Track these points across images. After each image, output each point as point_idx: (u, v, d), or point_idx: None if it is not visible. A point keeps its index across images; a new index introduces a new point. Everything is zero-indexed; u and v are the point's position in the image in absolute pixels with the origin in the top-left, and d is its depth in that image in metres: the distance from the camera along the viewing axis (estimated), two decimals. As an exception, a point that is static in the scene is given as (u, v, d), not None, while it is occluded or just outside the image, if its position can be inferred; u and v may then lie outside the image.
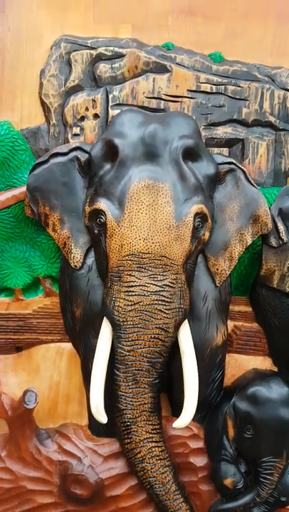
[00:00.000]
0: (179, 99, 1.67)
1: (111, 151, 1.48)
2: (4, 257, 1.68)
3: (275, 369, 1.66)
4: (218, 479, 1.53)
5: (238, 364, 1.65)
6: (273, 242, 1.53)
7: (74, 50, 1.68)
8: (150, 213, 1.41)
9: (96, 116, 1.66)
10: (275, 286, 1.53)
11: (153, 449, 1.45)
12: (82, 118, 1.67)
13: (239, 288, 1.68)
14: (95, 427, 1.59)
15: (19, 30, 1.69)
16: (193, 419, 1.53)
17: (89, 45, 1.68)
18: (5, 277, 1.66)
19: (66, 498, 1.54)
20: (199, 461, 1.57)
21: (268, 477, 1.49)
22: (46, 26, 1.69)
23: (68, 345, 1.69)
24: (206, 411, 1.58)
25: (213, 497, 1.59)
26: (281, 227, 1.51)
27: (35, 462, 1.53)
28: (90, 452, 1.55)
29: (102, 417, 1.40)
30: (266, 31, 1.71)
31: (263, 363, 1.66)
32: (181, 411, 1.43)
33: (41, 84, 1.67)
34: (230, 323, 1.66)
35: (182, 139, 1.46)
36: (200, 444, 1.58)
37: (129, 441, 1.45)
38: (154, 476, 1.47)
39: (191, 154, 1.48)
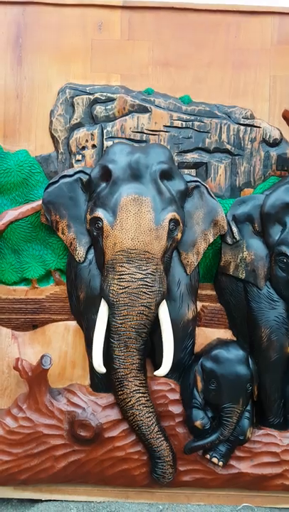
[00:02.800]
0: (157, 133, 1.96)
1: (106, 174, 1.78)
2: (24, 254, 1.94)
3: (235, 339, 1.92)
4: (190, 422, 1.80)
5: (206, 335, 1.93)
6: (229, 240, 1.86)
7: (76, 95, 1.97)
8: (136, 219, 1.70)
9: (94, 146, 1.95)
10: (231, 273, 1.86)
11: (140, 399, 1.75)
12: (83, 148, 1.95)
13: (206, 276, 1.97)
14: (95, 385, 1.89)
15: (33, 79, 1.98)
16: (171, 378, 1.84)
17: (87, 91, 1.97)
18: (24, 270, 1.93)
19: (73, 440, 1.82)
20: (176, 409, 1.84)
21: (229, 420, 1.77)
22: (54, 76, 1.98)
23: (74, 323, 1.95)
24: (180, 371, 1.86)
25: (187, 438, 1.85)
26: (234, 229, 1.84)
27: (49, 412, 1.81)
28: (91, 404, 1.83)
29: (103, 369, 1.70)
30: (224, 77, 1.99)
31: (224, 334, 1.94)
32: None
33: (51, 122, 1.96)
34: (199, 304, 1.94)
35: (159, 164, 1.76)
36: (176, 396, 1.85)
37: (121, 392, 1.74)
38: (141, 420, 1.76)
39: (166, 175, 1.78)
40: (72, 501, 1.92)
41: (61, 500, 1.93)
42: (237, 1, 2.02)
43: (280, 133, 1.97)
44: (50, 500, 1.93)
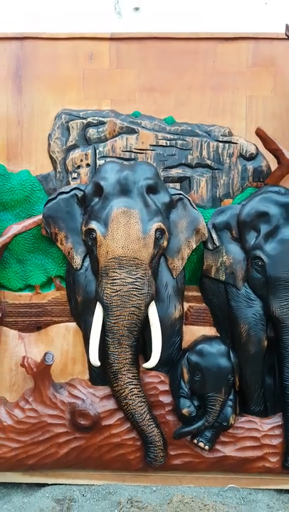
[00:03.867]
0: (144, 152, 2.10)
1: (98, 190, 1.93)
2: (27, 263, 2.09)
3: (219, 335, 2.06)
4: (178, 410, 1.95)
5: (192, 332, 2.06)
6: (210, 246, 2.01)
7: (71, 120, 2.09)
8: (125, 230, 1.84)
9: (88, 165, 2.09)
10: (213, 276, 2.01)
11: (133, 390, 1.91)
12: (78, 167, 2.09)
13: (192, 279, 2.11)
14: (93, 379, 2.05)
15: (32, 107, 2.12)
16: (161, 371, 1.99)
17: (81, 116, 2.10)
18: (28, 277, 2.09)
19: (74, 428, 1.97)
20: (166, 399, 1.98)
21: (213, 408, 1.92)
22: (51, 103, 2.11)
23: (73, 324, 2.09)
24: (169, 365, 2.01)
25: (176, 424, 1.98)
26: (214, 236, 1.99)
27: (53, 404, 1.97)
28: (90, 395, 1.98)
29: (97, 363, 1.86)
30: (204, 99, 2.11)
31: (209, 331, 2.07)
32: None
33: (49, 144, 2.10)
34: (186, 304, 2.07)
35: (145, 180, 1.91)
36: (166, 387, 1.99)
37: (116, 384, 1.91)
38: (134, 409, 1.92)
39: (152, 189, 1.93)
40: (75, 485, 2.08)
41: (65, 484, 2.08)
42: (214, 29, 2.16)
43: (256, 148, 2.12)
44: (55, 484, 2.08)
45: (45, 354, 1.94)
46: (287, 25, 2.02)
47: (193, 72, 2.12)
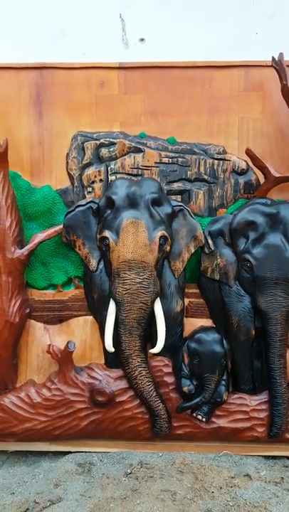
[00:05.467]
0: (150, 168, 2.25)
1: (110, 203, 2.08)
2: (50, 266, 2.25)
3: (214, 325, 2.24)
4: (180, 388, 2.14)
5: (192, 324, 2.24)
6: (206, 250, 2.18)
7: (86, 141, 2.23)
8: (134, 237, 2.01)
9: (101, 180, 2.23)
10: (209, 276, 2.19)
11: (142, 372, 2.11)
12: (93, 182, 2.23)
13: (192, 278, 2.26)
14: (108, 363, 2.24)
15: (52, 129, 2.26)
16: (165, 356, 2.20)
17: (94, 137, 2.24)
18: (51, 278, 2.25)
19: (93, 404, 2.16)
20: (169, 379, 2.17)
21: (209, 386, 2.11)
22: (68, 126, 2.26)
23: (90, 317, 2.25)
24: (172, 351, 2.19)
25: (178, 401, 2.17)
26: (210, 241, 2.17)
27: (74, 384, 2.17)
28: (105, 377, 2.17)
29: (112, 349, 2.06)
30: (201, 121, 2.25)
31: (206, 322, 2.25)
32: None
33: (67, 163, 2.24)
34: (186, 300, 2.24)
35: (151, 194, 2.08)
36: (169, 370, 2.18)
37: (127, 367, 2.11)
38: (143, 387, 2.12)
39: (156, 202, 2.09)
40: (94, 452, 2.28)
41: (86, 452, 2.27)
42: (209, 58, 2.30)
43: (247, 164, 2.27)
44: (77, 452, 2.28)
45: (68, 342, 2.15)
46: (273, 57, 2.26)
47: (192, 97, 2.26)
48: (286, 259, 2.10)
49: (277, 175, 2.20)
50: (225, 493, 2.00)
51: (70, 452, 2.30)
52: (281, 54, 2.23)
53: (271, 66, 2.22)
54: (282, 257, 2.10)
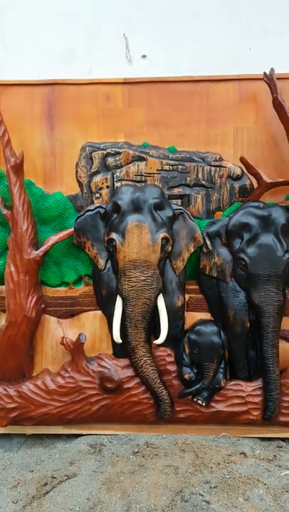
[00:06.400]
0: (152, 175, 2.37)
1: (116, 208, 2.20)
2: (63, 265, 2.37)
3: (212, 319, 2.36)
4: (182, 376, 2.27)
5: (192, 317, 2.37)
6: (204, 250, 2.30)
7: (93, 151, 2.36)
8: (138, 239, 2.13)
9: (108, 187, 2.35)
10: (207, 273, 2.32)
11: (147, 360, 2.24)
12: (100, 188, 2.35)
13: (191, 276, 2.38)
14: (116, 353, 2.37)
15: (62, 140, 2.38)
16: (168, 347, 2.32)
17: (101, 147, 2.36)
18: (63, 276, 2.37)
19: (103, 390, 2.29)
20: (172, 368, 2.30)
21: (208, 373, 2.25)
22: (77, 137, 2.38)
23: (99, 312, 2.38)
24: (174, 342, 2.32)
25: (180, 387, 2.31)
26: (208, 242, 2.29)
27: (86, 372, 2.31)
28: (114, 365, 2.31)
29: (119, 340, 2.19)
30: (199, 131, 2.37)
31: (205, 316, 2.37)
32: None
33: (77, 171, 2.37)
34: (187, 295, 2.36)
35: (153, 199, 2.20)
36: (172, 359, 2.30)
37: (134, 357, 2.25)
38: (148, 375, 2.26)
39: (158, 206, 2.21)
40: (104, 434, 2.40)
41: (96, 434, 2.41)
42: (207, 72, 2.42)
43: (242, 170, 2.39)
44: (88, 434, 2.41)
45: (79, 335, 2.28)
46: (264, 72, 2.45)
47: (191, 109, 2.38)
48: (277, 258, 2.23)
49: (269, 180, 2.36)
50: (222, 468, 2.18)
51: (82, 435, 2.43)
52: (272, 69, 2.40)
53: (263, 79, 2.40)
54: (273, 256, 2.22)
